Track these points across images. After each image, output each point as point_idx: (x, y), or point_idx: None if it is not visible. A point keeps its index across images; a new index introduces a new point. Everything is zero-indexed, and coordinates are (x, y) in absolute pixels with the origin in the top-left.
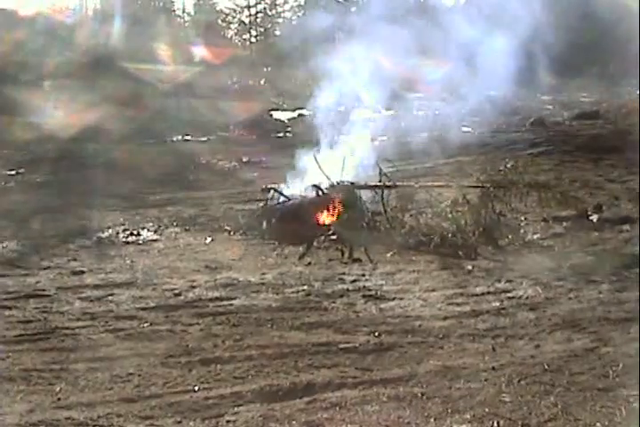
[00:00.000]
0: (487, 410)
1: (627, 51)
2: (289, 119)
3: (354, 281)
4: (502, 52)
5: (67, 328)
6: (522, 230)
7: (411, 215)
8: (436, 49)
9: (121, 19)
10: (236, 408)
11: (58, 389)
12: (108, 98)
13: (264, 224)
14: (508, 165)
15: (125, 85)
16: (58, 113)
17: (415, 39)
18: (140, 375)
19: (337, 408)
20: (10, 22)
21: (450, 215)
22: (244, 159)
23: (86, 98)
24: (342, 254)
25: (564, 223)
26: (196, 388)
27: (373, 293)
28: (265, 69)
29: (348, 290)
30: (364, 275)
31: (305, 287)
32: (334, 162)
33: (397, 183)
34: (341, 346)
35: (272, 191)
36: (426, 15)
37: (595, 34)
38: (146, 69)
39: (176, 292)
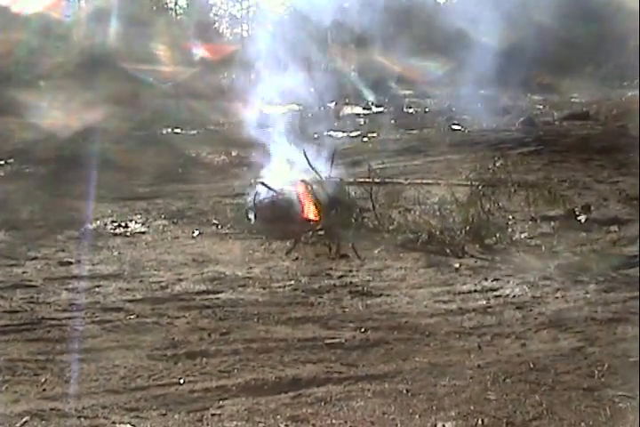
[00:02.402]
0: (472, 408)
1: (619, 52)
2: (279, 114)
3: (341, 277)
4: (494, 51)
5: (53, 319)
6: (509, 229)
7: (399, 212)
8: (430, 46)
9: (112, 13)
10: (221, 402)
11: (43, 379)
12: (101, 91)
13: (252, 218)
14: (498, 164)
15: (117, 79)
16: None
17: (411, 37)
18: (125, 367)
19: (322, 403)
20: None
21: (438, 213)
22: (234, 153)
23: (77, 88)
24: (330, 250)
25: (552, 223)
26: (182, 381)
27: (360, 289)
28: (256, 64)
29: (334, 286)
30: (351, 271)
31: (292, 282)
32: (323, 157)
33: (386, 180)
34: (327, 341)
35: (260, 186)
36: (422, 12)
37: (588, 34)
38: (139, 63)
39: (163, 284)
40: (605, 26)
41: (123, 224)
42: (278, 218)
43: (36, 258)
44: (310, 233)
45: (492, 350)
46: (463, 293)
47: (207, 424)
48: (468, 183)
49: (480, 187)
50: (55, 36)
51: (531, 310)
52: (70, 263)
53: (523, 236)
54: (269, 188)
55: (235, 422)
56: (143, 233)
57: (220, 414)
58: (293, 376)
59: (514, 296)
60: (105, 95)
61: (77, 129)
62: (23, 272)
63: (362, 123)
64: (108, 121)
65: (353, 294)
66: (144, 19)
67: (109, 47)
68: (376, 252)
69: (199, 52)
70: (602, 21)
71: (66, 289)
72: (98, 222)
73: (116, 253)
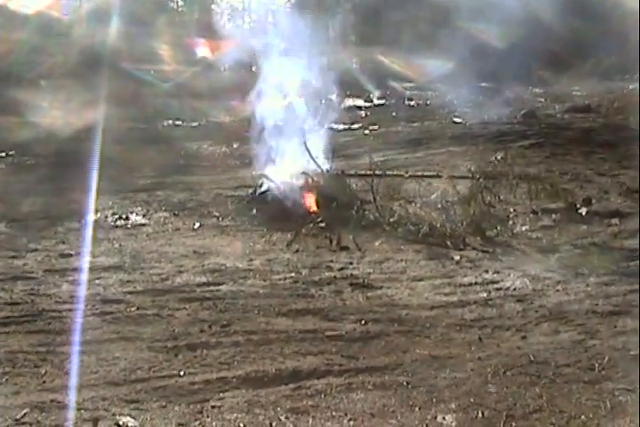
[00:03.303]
0: (472, 400)
1: (620, 45)
2: (280, 106)
3: (341, 269)
4: (495, 44)
5: (54, 311)
6: (511, 222)
7: (400, 205)
8: (430, 40)
9: (112, 6)
10: (221, 394)
11: (43, 371)
12: (99, 87)
13: (253, 211)
14: (499, 157)
15: (116, 76)
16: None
17: (411, 30)
18: (125, 359)
19: (322, 395)
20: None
21: (439, 205)
22: (235, 145)
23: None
24: (330, 242)
25: (553, 216)
26: (182, 373)
27: (361, 281)
28: (256, 56)
29: (335, 278)
30: (351, 263)
31: (292, 274)
32: (324, 149)
33: (387, 172)
34: (328, 333)
35: (262, 178)
36: (423, 6)
37: (589, 28)
38: (139, 60)
39: (163, 276)
40: (606, 19)
41: (123, 216)
42: (279, 210)
43: (36, 250)
44: (311, 225)
45: (492, 343)
46: (464, 285)
47: (207, 416)
48: (470, 176)
49: (481, 179)
50: (54, 33)
51: (531, 303)
52: (71, 255)
53: (524, 228)
54: (270, 180)
55: (235, 415)
56: (144, 225)
57: (220, 406)
58: (294, 368)
59: (514, 289)
60: (102, 91)
61: (78, 125)
62: (24, 264)
63: (363, 115)
64: (108, 118)
65: (353, 286)
66: (144, 11)
67: (108, 42)
68: (377, 244)
69: (201, 46)
70: (603, 14)
71: (66, 281)
72: (98, 214)
73: (116, 245)
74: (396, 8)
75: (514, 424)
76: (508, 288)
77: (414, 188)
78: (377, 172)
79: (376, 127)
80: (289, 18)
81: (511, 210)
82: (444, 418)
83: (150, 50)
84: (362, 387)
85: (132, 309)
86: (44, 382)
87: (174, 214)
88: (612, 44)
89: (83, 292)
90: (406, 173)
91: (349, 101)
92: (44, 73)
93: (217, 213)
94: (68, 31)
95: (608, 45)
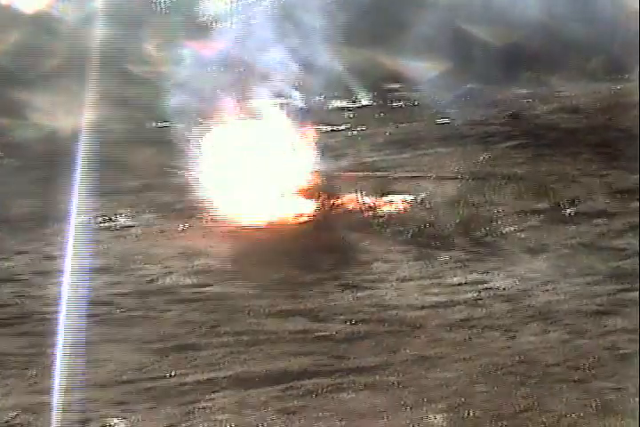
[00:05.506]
0: (462, 400)
1: (608, 45)
2: (267, 107)
3: (330, 269)
4: (481, 45)
5: (41, 313)
6: (498, 222)
7: (387, 205)
8: (416, 40)
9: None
10: (211, 395)
11: (32, 373)
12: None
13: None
14: (486, 157)
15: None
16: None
17: (396, 30)
18: (114, 361)
19: (312, 396)
20: None
21: (427, 206)
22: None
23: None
24: (319, 243)
25: (540, 216)
26: (171, 374)
27: (349, 281)
28: (242, 58)
29: (324, 278)
30: (340, 263)
31: (282, 275)
32: (311, 151)
33: (374, 173)
34: (317, 334)
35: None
36: (407, 6)
37: (576, 28)
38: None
39: (151, 278)
40: (594, 18)
41: (111, 218)
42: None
43: (24, 252)
44: (299, 225)
45: (481, 343)
46: (452, 285)
47: (197, 417)
48: (457, 176)
49: (468, 180)
50: (44, 32)
51: (520, 303)
52: (58, 257)
53: (511, 229)
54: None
55: (224, 415)
56: (131, 227)
57: (209, 407)
58: (283, 369)
59: (503, 289)
60: (90, 91)
61: (64, 124)
62: (11, 266)
63: (350, 116)
64: (98, 117)
65: (342, 286)
66: (130, 14)
67: (93, 43)
68: (365, 244)
69: (188, 46)
70: (590, 14)
71: (53, 283)
72: (86, 216)
73: (104, 247)
74: (382, 8)
75: (503, 424)
76: (496, 288)
77: (402, 188)
78: (364, 172)
79: (363, 128)
80: (275, 19)
81: (499, 210)
82: (433, 418)
83: (137, 50)
84: (351, 387)
85: (121, 310)
86: (35, 383)
87: (162, 216)
88: (599, 44)
89: (70, 294)
90: (394, 173)
91: (336, 102)
92: (33, 72)
93: (204, 214)
94: (56, 30)
95: (595, 45)
